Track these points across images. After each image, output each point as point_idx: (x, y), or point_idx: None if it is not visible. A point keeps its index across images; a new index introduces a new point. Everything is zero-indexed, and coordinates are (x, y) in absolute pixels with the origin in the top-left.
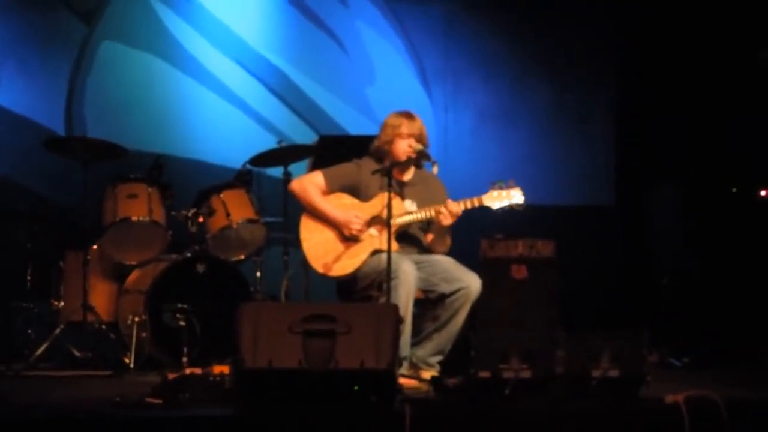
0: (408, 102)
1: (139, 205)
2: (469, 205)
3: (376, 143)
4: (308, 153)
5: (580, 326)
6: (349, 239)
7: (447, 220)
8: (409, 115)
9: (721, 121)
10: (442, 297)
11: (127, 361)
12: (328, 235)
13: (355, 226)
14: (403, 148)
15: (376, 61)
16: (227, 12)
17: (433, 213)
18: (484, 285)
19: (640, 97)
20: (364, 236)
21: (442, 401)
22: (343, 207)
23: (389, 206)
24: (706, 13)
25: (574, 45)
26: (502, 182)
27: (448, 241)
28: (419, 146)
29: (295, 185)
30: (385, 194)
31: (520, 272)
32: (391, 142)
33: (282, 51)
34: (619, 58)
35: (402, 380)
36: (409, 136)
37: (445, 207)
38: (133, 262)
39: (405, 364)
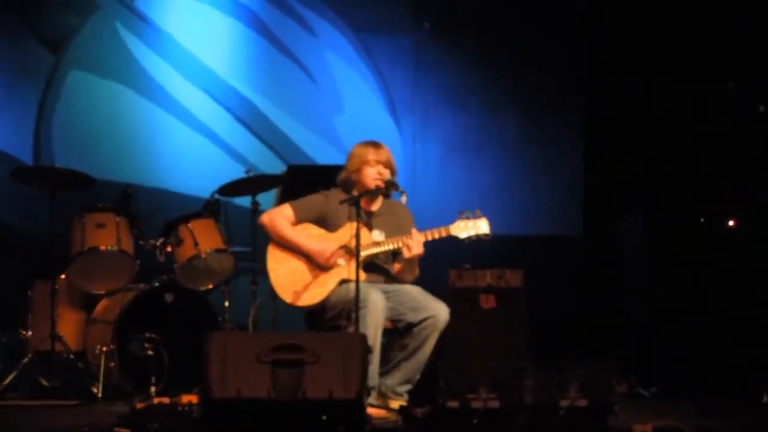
0: (376, 132)
1: (107, 235)
2: (436, 235)
3: (343, 174)
4: (276, 183)
5: (549, 356)
6: (317, 269)
7: (409, 254)
8: (374, 144)
9: (689, 152)
10: (410, 326)
11: (95, 390)
12: (296, 265)
13: (327, 254)
14: (372, 175)
15: (344, 91)
16: (196, 42)
17: (400, 244)
18: (453, 315)
19: (608, 128)
20: (337, 262)
21: (410, 431)
22: (311, 237)
23: (357, 236)
24: (675, 43)
25: (542, 76)
26: (468, 212)
27: (416, 270)
28: (388, 176)
29: (265, 219)
30: (353, 224)
31: (488, 302)
32: (358, 171)
33: (250, 81)
34: (587, 89)
35: (370, 410)
36: (377, 163)
37: (410, 238)
38: (101, 292)
39: (373, 393)
